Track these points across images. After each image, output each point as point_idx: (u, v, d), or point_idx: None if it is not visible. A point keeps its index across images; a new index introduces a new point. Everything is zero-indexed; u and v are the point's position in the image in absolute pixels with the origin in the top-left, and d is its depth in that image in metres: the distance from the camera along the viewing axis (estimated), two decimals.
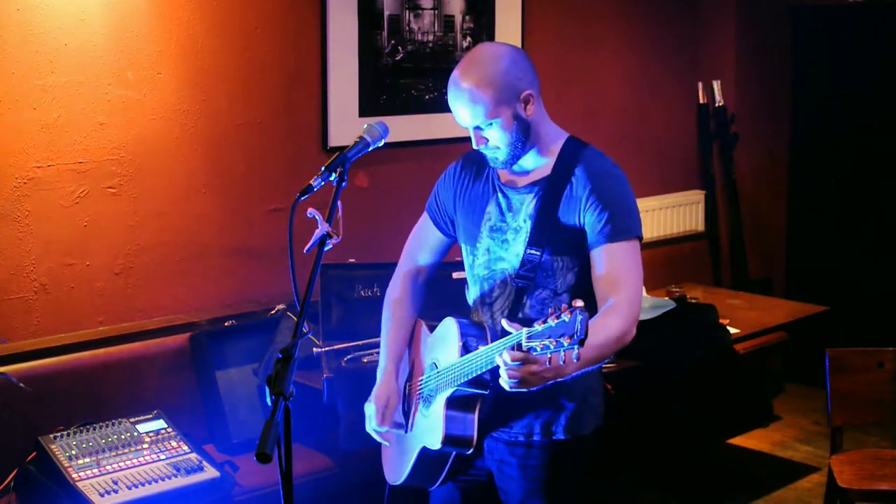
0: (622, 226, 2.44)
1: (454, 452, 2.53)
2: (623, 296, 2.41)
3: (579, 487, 2.62)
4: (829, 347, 3.86)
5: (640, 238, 2.50)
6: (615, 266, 2.44)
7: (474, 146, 2.50)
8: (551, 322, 2.12)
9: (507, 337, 2.24)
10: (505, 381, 2.25)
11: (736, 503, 4.54)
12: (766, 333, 4.62)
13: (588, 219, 2.45)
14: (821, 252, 5.99)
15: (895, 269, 5.71)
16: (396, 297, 2.75)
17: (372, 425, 2.63)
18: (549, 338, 2.12)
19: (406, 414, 2.69)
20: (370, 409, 2.63)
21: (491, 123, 2.43)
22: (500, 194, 2.58)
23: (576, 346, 2.09)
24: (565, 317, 2.10)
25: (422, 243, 2.77)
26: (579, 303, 2.11)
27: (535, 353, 2.16)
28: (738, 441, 5.14)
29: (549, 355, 2.14)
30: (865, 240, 5.83)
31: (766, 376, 5.55)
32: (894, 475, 3.69)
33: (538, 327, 2.14)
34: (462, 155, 2.72)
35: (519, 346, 2.20)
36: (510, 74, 2.43)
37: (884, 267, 5.75)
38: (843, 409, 3.82)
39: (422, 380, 2.64)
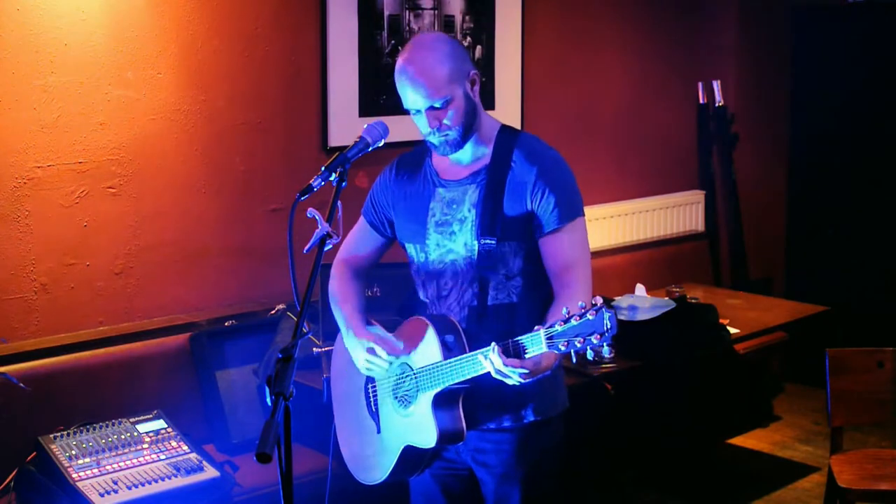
0: (569, 208, 2.52)
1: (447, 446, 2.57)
2: (579, 277, 2.49)
3: (554, 469, 2.66)
4: (829, 347, 3.86)
5: (583, 215, 2.57)
6: (568, 248, 2.51)
7: (426, 129, 2.52)
8: (574, 322, 2.21)
9: (528, 335, 2.29)
10: (495, 375, 2.34)
11: (736, 503, 4.54)
12: (766, 333, 4.62)
13: (536, 204, 2.51)
14: (821, 252, 5.99)
15: (895, 269, 5.71)
16: (340, 277, 2.74)
17: (379, 366, 2.59)
18: (575, 336, 2.20)
19: (372, 414, 2.69)
20: (366, 354, 2.58)
21: (446, 100, 2.48)
22: (440, 188, 2.61)
23: (607, 343, 2.19)
24: (590, 316, 2.19)
25: (357, 244, 2.79)
26: (599, 300, 2.20)
27: (559, 352, 2.25)
28: (738, 441, 5.14)
29: (576, 352, 2.22)
30: (865, 240, 5.83)
31: (766, 376, 5.54)
32: (894, 475, 3.69)
33: (558, 328, 2.23)
34: (395, 158, 2.75)
35: (508, 350, 2.31)
36: (455, 55, 2.51)
37: (883, 267, 5.75)
38: (843, 409, 3.82)
39: (391, 380, 2.63)
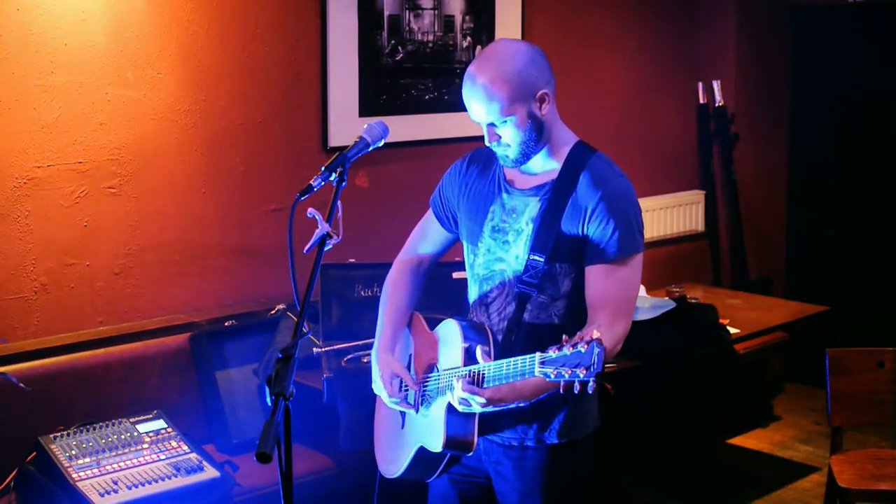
0: (625, 243, 2.43)
1: (454, 454, 2.54)
2: (610, 318, 2.39)
3: (578, 492, 2.60)
4: (829, 347, 3.86)
5: (642, 250, 2.49)
6: (609, 285, 2.43)
7: (486, 143, 2.48)
8: (566, 351, 2.13)
9: (520, 357, 2.26)
10: (458, 406, 2.37)
11: (736, 503, 4.54)
12: (766, 333, 4.62)
13: (591, 232, 2.44)
14: (821, 252, 6.00)
15: (895, 269, 5.71)
16: (395, 280, 2.74)
17: (387, 401, 2.61)
18: (563, 366, 2.12)
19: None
20: (378, 388, 2.61)
21: (505, 121, 2.42)
22: (504, 194, 2.56)
23: (591, 379, 2.10)
24: (581, 348, 2.11)
25: (424, 236, 2.77)
26: (596, 334, 2.12)
27: (548, 379, 2.16)
28: (738, 441, 5.15)
29: (563, 383, 2.14)
30: (865, 240, 5.83)
31: (766, 376, 5.55)
32: (894, 475, 3.69)
33: (552, 354, 2.15)
34: (470, 151, 2.70)
35: (482, 378, 2.32)
36: (527, 72, 2.42)
37: (884, 267, 5.75)
38: (843, 409, 3.82)
39: (420, 379, 2.63)
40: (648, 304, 4.30)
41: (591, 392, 2.11)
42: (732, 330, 4.39)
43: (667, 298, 4.48)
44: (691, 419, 4.73)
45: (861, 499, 3.67)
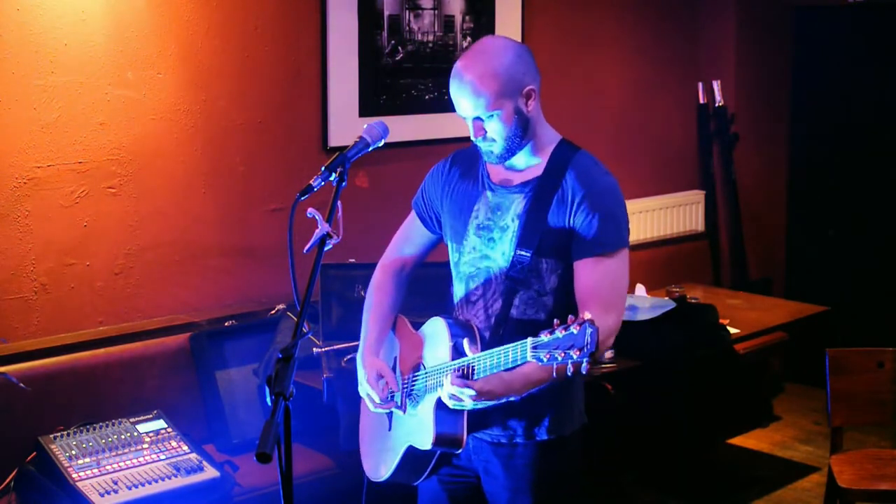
0: (610, 238, 2.45)
1: (444, 452, 2.54)
2: (598, 311, 2.37)
3: (566, 488, 2.61)
4: (829, 347, 3.86)
5: (628, 246, 2.50)
6: (597, 279, 2.44)
7: (472, 137, 2.50)
8: (559, 333, 2.14)
9: (511, 345, 2.27)
10: (448, 401, 2.37)
11: (736, 503, 4.54)
12: (766, 333, 4.62)
13: (577, 227, 2.45)
14: (821, 252, 6.00)
15: (895, 269, 5.71)
16: (378, 283, 2.75)
17: (372, 406, 2.62)
18: (556, 349, 2.14)
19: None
20: (365, 390, 2.61)
21: (492, 115, 2.43)
22: (489, 192, 2.57)
23: (585, 359, 2.11)
24: (573, 329, 2.12)
25: (407, 238, 2.78)
26: (588, 315, 2.13)
27: (541, 363, 2.18)
28: (738, 441, 5.15)
29: (556, 366, 2.15)
30: (865, 240, 5.83)
31: (766, 376, 5.55)
32: (894, 475, 3.69)
33: (544, 338, 2.16)
34: (451, 153, 2.72)
35: (471, 371, 2.32)
36: (514, 68, 2.43)
37: (884, 267, 5.75)
38: (843, 409, 3.82)
39: (407, 378, 2.63)
40: (648, 304, 4.30)
41: (584, 373, 2.13)
42: (732, 330, 4.38)
43: (667, 298, 4.48)
44: (691, 419, 4.73)
45: (861, 499, 3.67)
